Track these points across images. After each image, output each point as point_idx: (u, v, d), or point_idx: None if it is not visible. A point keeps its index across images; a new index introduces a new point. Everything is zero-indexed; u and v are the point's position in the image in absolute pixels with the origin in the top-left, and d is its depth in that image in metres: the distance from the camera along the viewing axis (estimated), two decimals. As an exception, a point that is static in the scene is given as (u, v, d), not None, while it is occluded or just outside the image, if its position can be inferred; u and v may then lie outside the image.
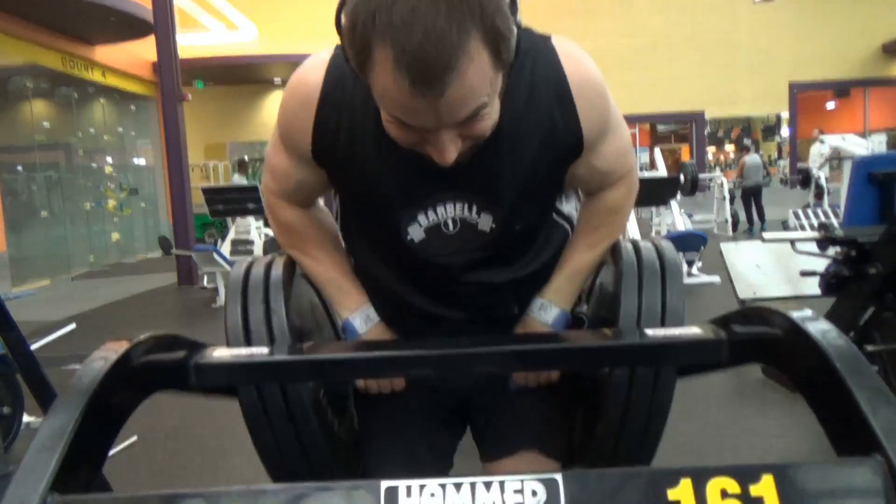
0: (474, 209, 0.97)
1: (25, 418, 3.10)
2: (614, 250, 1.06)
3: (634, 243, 1.03)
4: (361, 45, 0.73)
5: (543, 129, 0.92)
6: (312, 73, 0.93)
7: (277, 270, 1.01)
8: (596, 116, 0.95)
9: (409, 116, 0.77)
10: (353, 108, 0.91)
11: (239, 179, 11.12)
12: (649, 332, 0.88)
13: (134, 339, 0.71)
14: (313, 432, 0.97)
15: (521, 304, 1.11)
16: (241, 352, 0.89)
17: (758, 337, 0.77)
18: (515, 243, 1.03)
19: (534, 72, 0.91)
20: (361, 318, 1.09)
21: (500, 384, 1.16)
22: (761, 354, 0.79)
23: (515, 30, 0.76)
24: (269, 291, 0.97)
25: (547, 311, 1.09)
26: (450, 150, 0.80)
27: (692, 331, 0.86)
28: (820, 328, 0.65)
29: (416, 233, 0.97)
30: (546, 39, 0.95)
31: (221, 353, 0.86)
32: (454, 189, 0.94)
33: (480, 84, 0.74)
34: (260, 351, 0.89)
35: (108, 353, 0.66)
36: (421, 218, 0.97)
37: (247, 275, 1.00)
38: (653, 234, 10.29)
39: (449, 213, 0.97)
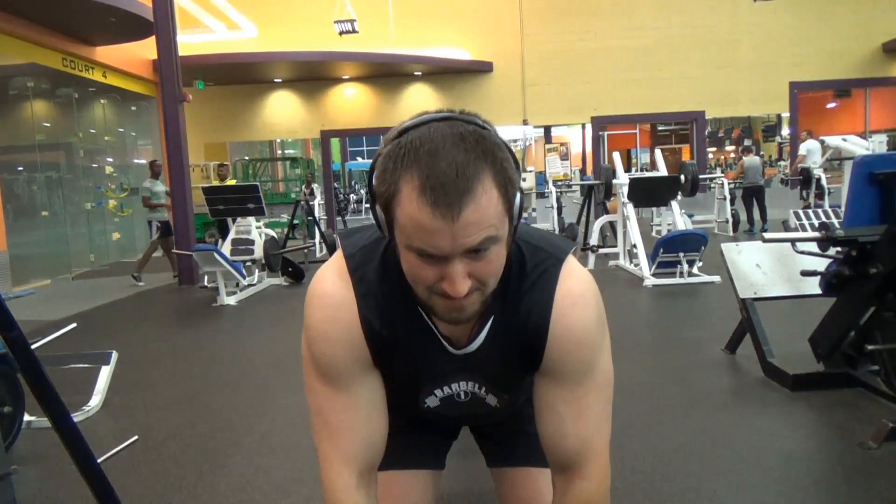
0: (483, 389, 1.11)
1: (26, 417, 3.11)
2: None
3: None
4: (391, 181, 0.84)
5: (521, 343, 1.02)
6: (340, 292, 1.00)
7: None
8: (566, 357, 1.00)
9: (429, 240, 0.84)
10: (391, 308, 1.00)
11: (152, 184, 8.98)
12: None
13: None
14: None
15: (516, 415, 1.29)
16: None
17: None
18: (517, 406, 1.20)
19: (528, 294, 0.99)
20: None
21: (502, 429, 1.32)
22: None
23: (520, 194, 0.88)
24: None
25: None
26: (461, 283, 0.87)
27: None
28: None
29: (432, 402, 1.13)
30: (557, 263, 1.01)
31: None
32: (466, 373, 1.07)
33: (492, 212, 0.84)
34: None
35: None
36: (437, 391, 1.11)
37: None
38: (653, 233, 10.29)
39: (462, 388, 1.10)
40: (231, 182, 10.03)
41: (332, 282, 1.00)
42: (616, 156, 8.47)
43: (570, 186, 12.57)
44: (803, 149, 10.72)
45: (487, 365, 1.05)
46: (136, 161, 13.74)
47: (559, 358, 1.00)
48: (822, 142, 10.05)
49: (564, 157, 24.98)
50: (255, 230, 7.91)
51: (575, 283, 1.00)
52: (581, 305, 0.99)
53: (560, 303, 0.98)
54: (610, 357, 1.05)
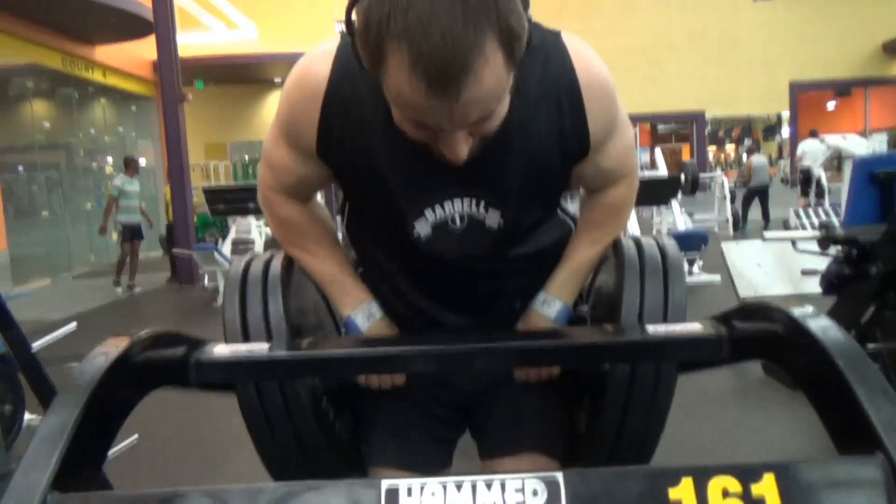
0: (482, 205, 0.96)
1: (27, 417, 3.10)
2: (616, 246, 1.06)
3: (636, 240, 1.03)
4: (375, 46, 0.72)
5: (552, 129, 0.92)
6: (319, 66, 0.91)
7: (276, 267, 1.00)
8: (604, 118, 0.95)
9: (424, 117, 0.76)
10: (361, 102, 0.89)
11: (124, 182, 8.31)
12: (650, 328, 0.88)
13: (134, 336, 0.70)
14: (311, 430, 0.96)
15: (524, 297, 1.11)
16: (241, 348, 0.87)
17: (759, 334, 0.77)
18: (519, 238, 1.03)
19: (545, 70, 0.90)
20: (364, 314, 1.08)
21: (502, 381, 1.16)
22: (762, 351, 0.79)
23: (527, 25, 0.75)
24: (267, 288, 0.96)
25: (550, 305, 1.09)
26: (462, 149, 0.80)
27: (693, 327, 0.86)
28: (821, 325, 0.65)
29: (423, 229, 0.97)
30: (556, 35, 0.94)
31: (221, 350, 0.85)
32: (462, 185, 0.94)
33: (495, 85, 0.74)
34: (259, 347, 0.88)
35: (109, 349, 0.66)
36: (428, 213, 0.96)
37: (245, 271, 0.99)
38: (654, 233, 10.29)
39: (456, 208, 0.96)
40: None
41: (317, 53, 0.93)
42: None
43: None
44: (800, 149, 10.75)
45: (497, 165, 0.92)
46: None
47: (600, 121, 0.94)
48: (822, 141, 10.05)
49: (564, 156, 25.02)
50: (256, 229, 7.92)
51: (579, 44, 0.95)
52: (595, 57, 0.95)
53: (579, 65, 0.91)
54: None
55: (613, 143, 1.00)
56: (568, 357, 0.94)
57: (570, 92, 0.91)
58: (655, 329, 0.87)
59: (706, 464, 0.54)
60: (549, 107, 0.90)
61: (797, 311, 0.68)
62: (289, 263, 1.05)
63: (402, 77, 0.72)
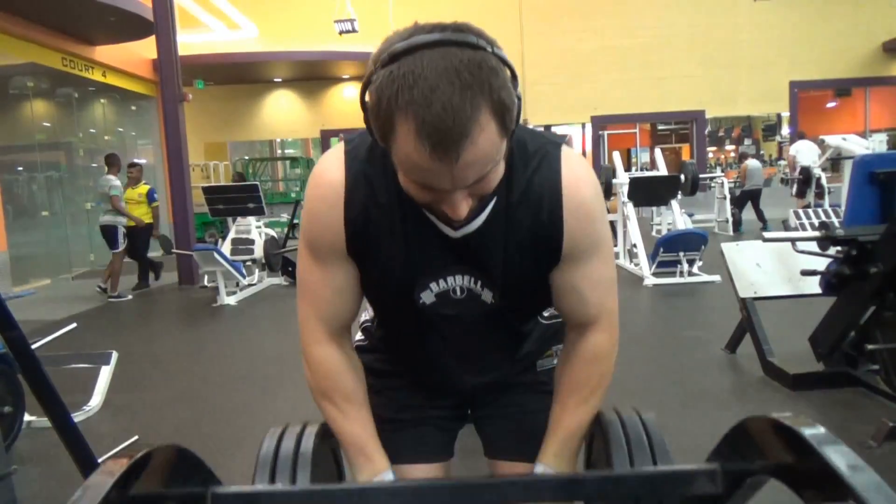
0: (479, 283, 1.08)
1: (26, 417, 3.11)
2: (600, 422, 1.07)
3: (619, 415, 1.03)
4: (386, 118, 0.82)
5: (530, 228, 1.01)
6: (333, 174, 1.01)
7: (308, 445, 1.00)
8: (580, 234, 1.02)
9: (428, 179, 0.85)
10: (377, 197, 1.00)
11: (110, 179, 7.74)
12: (645, 469, 0.92)
13: (134, 455, 0.64)
14: None
15: (506, 351, 1.22)
16: (258, 487, 0.90)
17: (764, 464, 0.74)
18: (513, 315, 1.15)
19: (536, 173, 1.00)
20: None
21: (500, 391, 1.25)
22: (774, 474, 0.74)
23: (517, 101, 0.85)
24: (296, 471, 0.97)
25: None
26: (462, 208, 0.89)
27: (687, 466, 0.87)
28: (843, 457, 0.61)
29: (427, 297, 1.09)
30: (556, 146, 1.03)
31: (239, 487, 0.86)
32: (462, 264, 1.05)
33: (490, 150, 0.83)
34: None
35: (105, 476, 0.60)
36: (432, 286, 1.08)
37: (276, 449, 0.99)
38: (653, 233, 10.29)
39: (457, 282, 1.08)
40: (144, 188, 8.06)
41: (328, 162, 1.02)
42: (616, 155, 8.47)
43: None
44: (793, 150, 10.82)
45: (485, 251, 1.03)
46: (136, 161, 13.74)
47: (577, 236, 1.02)
48: (822, 141, 10.05)
49: (564, 156, 24.99)
50: (255, 230, 7.91)
51: (575, 160, 1.03)
52: (585, 179, 1.02)
53: (567, 179, 1.00)
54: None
55: (591, 266, 1.06)
56: (565, 491, 0.95)
57: (553, 200, 1.00)
58: (650, 468, 0.93)
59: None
60: (531, 207, 1.00)
61: (808, 433, 0.65)
62: (321, 439, 1.05)
63: (409, 143, 0.81)
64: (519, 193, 1.00)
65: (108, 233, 7.66)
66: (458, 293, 1.08)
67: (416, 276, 1.06)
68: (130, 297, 7.61)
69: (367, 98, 0.86)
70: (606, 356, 1.13)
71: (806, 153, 10.55)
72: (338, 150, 1.03)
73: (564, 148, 1.03)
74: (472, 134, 0.80)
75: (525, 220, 1.00)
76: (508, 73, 0.84)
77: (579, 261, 1.04)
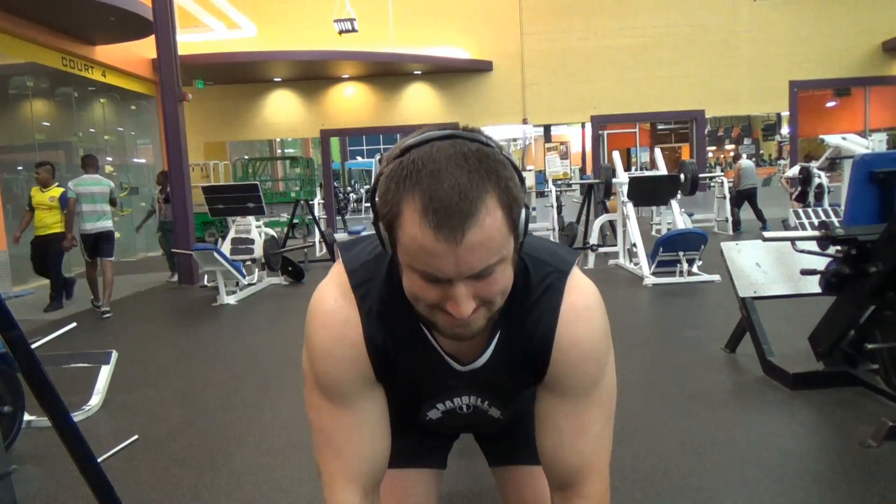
0: (486, 403, 1.11)
1: (26, 417, 3.11)
2: None
3: None
4: (394, 202, 0.82)
5: (525, 356, 1.01)
6: (345, 311, 0.99)
7: None
8: (567, 371, 0.99)
9: (432, 264, 0.82)
10: (393, 326, 0.99)
11: (78, 184, 6.78)
12: None
13: None
14: None
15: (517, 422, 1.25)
16: None
17: None
18: (519, 418, 1.19)
19: (535, 305, 0.98)
20: None
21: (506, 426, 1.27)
22: None
23: (523, 198, 0.86)
24: None
25: None
26: (465, 305, 0.85)
27: None
28: None
29: (433, 415, 1.14)
30: (562, 276, 1.00)
31: None
32: (469, 388, 1.07)
33: (496, 237, 0.82)
34: None
35: None
36: (439, 405, 1.12)
37: None
38: (653, 232, 10.29)
39: (464, 401, 1.11)
40: (56, 191, 6.92)
41: (335, 299, 0.99)
42: (616, 155, 8.47)
43: (569, 185, 12.57)
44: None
45: (492, 381, 1.04)
46: (135, 160, 13.75)
47: (563, 372, 0.99)
48: (822, 141, 10.07)
49: (564, 156, 24.93)
50: (255, 229, 7.91)
51: (580, 297, 0.99)
52: (586, 319, 0.98)
53: (565, 316, 0.97)
54: (614, 373, 1.04)
55: (578, 406, 1.01)
56: None
57: (544, 341, 0.99)
58: None
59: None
60: (526, 334, 0.99)
61: None
62: None
63: (415, 222, 0.81)
64: (515, 328, 0.99)
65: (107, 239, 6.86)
66: (465, 409, 1.11)
67: (423, 399, 1.10)
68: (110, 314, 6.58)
69: (376, 194, 0.87)
70: None
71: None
72: (340, 284, 1.00)
73: (572, 277, 1.00)
74: (478, 214, 0.79)
75: (520, 348, 1.00)
76: (516, 175, 0.85)
77: (565, 394, 1.01)
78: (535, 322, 0.97)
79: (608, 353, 1.01)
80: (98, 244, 6.76)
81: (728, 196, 11.07)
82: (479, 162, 0.80)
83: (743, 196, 11.26)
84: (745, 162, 11.60)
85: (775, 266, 3.84)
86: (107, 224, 6.84)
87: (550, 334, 0.97)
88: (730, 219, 10.97)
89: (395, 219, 0.83)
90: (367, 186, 20.88)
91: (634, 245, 7.34)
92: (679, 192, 7.91)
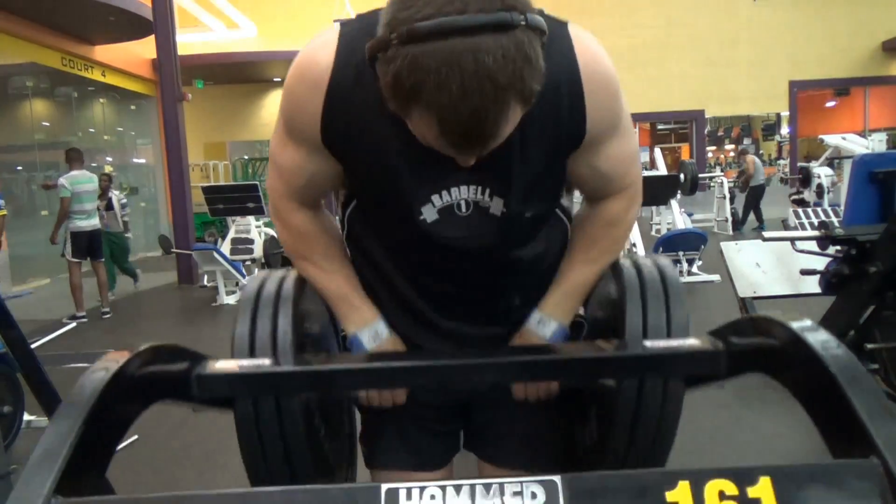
0: (487, 192, 0.97)
1: (26, 417, 3.11)
2: (614, 266, 1.05)
3: (634, 260, 1.03)
4: (403, 101, 0.75)
5: (549, 116, 0.91)
6: (320, 55, 0.91)
7: (289, 286, 1.00)
8: (603, 114, 0.94)
9: (443, 151, 0.80)
10: (366, 91, 0.87)
11: (73, 181, 6.45)
12: (648, 343, 0.89)
13: (136, 349, 0.71)
14: (301, 448, 0.95)
15: (521, 295, 1.10)
16: (242, 363, 0.90)
17: (757, 347, 0.77)
18: (522, 230, 1.03)
19: (547, 59, 0.84)
20: (370, 333, 1.07)
21: (500, 392, 1.15)
22: (760, 364, 0.80)
23: (544, 68, 0.77)
24: (278, 306, 0.97)
25: (545, 325, 1.08)
26: (471, 161, 0.84)
27: (691, 342, 0.87)
28: (819, 339, 0.66)
29: (429, 213, 0.97)
30: (562, 26, 0.94)
31: (222, 365, 0.87)
32: (467, 172, 0.92)
33: (511, 129, 0.79)
34: (262, 363, 0.90)
35: (110, 362, 0.67)
36: (435, 199, 0.97)
37: (259, 289, 1.00)
38: (653, 232, 10.29)
39: (462, 194, 0.97)
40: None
41: (318, 41, 0.93)
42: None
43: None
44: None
45: (495, 154, 0.87)
46: (135, 160, 13.75)
47: (601, 118, 0.94)
48: (822, 141, 10.06)
49: (564, 155, 24.96)
50: (255, 229, 7.92)
51: (586, 36, 0.96)
52: (600, 52, 0.95)
53: (584, 58, 0.92)
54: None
55: (612, 146, 0.98)
56: (565, 371, 0.95)
57: (571, 81, 0.91)
58: (654, 344, 0.89)
59: (703, 466, 0.55)
60: (547, 95, 0.86)
61: (796, 325, 0.68)
62: (301, 282, 1.05)
63: (428, 133, 0.77)
64: None
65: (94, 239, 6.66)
66: (464, 208, 0.97)
67: (414, 187, 0.95)
68: (74, 324, 6.09)
69: (378, 66, 0.77)
70: (623, 221, 1.07)
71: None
72: (331, 32, 0.93)
73: (571, 25, 0.96)
74: (498, 133, 0.76)
75: (542, 110, 0.88)
76: (539, 38, 0.75)
77: (602, 143, 0.97)
78: (554, 69, 0.87)
79: (618, 81, 1.00)
80: (91, 244, 6.62)
81: (727, 196, 11.02)
82: (504, 76, 0.71)
83: (759, 192, 11.08)
84: (755, 157, 11.47)
85: (775, 266, 3.84)
86: (97, 222, 6.72)
87: (577, 76, 0.91)
88: (729, 219, 10.93)
89: (402, 111, 0.77)
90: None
91: (634, 245, 7.34)
92: (679, 191, 7.91)
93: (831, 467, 0.58)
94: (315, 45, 0.93)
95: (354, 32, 0.89)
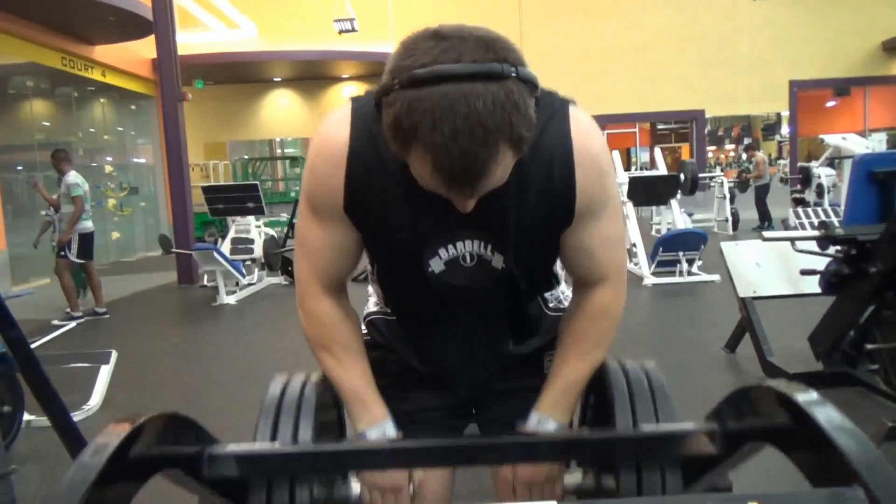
0: (489, 248, 1.07)
1: (26, 417, 3.10)
2: (603, 372, 1.08)
3: (622, 365, 1.05)
4: (403, 142, 0.83)
5: (542, 189, 1.00)
6: (338, 132, 1.00)
7: (311, 392, 1.02)
8: (592, 190, 1.01)
9: (440, 192, 0.88)
10: (382, 159, 0.97)
11: (74, 180, 6.25)
12: (644, 426, 0.93)
13: (137, 423, 0.68)
14: None
15: (514, 336, 1.22)
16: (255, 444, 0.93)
17: (762, 426, 0.76)
18: (520, 284, 1.12)
19: (544, 131, 0.97)
20: (378, 432, 1.12)
21: (502, 394, 1.24)
22: (764, 439, 0.77)
23: (534, 118, 0.85)
24: (299, 417, 0.98)
25: (544, 425, 1.13)
26: (470, 205, 0.91)
27: (686, 425, 0.88)
28: (831, 419, 0.65)
29: (436, 265, 1.07)
30: (564, 104, 1.02)
31: (235, 446, 0.89)
32: (471, 229, 1.04)
33: (504, 174, 0.86)
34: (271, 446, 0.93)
35: (110, 439, 0.64)
36: (441, 252, 1.07)
37: (282, 396, 1.01)
38: (653, 232, 10.29)
39: (467, 248, 1.07)
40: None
41: (333, 120, 1.02)
42: (616, 154, 8.48)
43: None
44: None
45: (497, 213, 1.00)
46: (135, 160, 13.75)
47: (589, 192, 1.01)
48: (822, 140, 10.06)
49: (564, 155, 24.92)
50: (255, 229, 7.92)
51: (583, 118, 1.02)
52: (594, 135, 1.02)
53: (577, 135, 0.99)
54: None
55: (598, 224, 1.05)
56: (558, 451, 0.97)
57: (564, 154, 0.99)
58: (648, 427, 0.93)
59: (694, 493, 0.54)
60: (542, 166, 0.98)
61: (801, 399, 0.69)
62: (322, 388, 1.07)
63: (424, 172, 0.84)
64: (531, 154, 0.96)
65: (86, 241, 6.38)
66: (468, 260, 1.07)
67: (424, 242, 1.05)
68: (74, 324, 5.98)
69: (382, 110, 0.85)
70: (611, 313, 1.12)
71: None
72: (344, 109, 1.02)
73: (573, 107, 1.02)
74: (488, 173, 0.82)
75: (536, 179, 0.99)
76: (529, 91, 0.84)
77: (590, 218, 1.04)
78: (549, 144, 0.98)
79: (612, 164, 1.07)
80: (88, 245, 6.45)
81: (728, 196, 11.00)
82: (494, 119, 0.78)
83: (766, 191, 11.06)
84: (762, 155, 11.45)
85: (775, 266, 3.84)
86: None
87: (569, 153, 0.99)
88: (729, 219, 10.91)
89: (401, 151, 0.85)
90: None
91: (634, 245, 7.34)
92: (679, 191, 7.91)
93: (817, 495, 0.57)
94: (332, 123, 1.02)
95: (365, 107, 0.97)
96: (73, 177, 6.31)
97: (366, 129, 0.97)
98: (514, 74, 0.81)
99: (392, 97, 0.81)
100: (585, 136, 1.00)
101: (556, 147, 0.98)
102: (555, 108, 0.99)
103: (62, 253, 6.30)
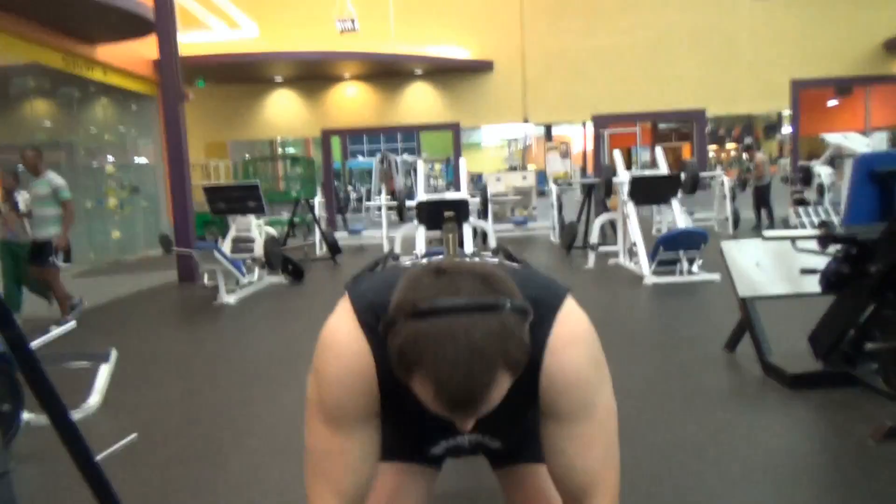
0: (488, 437, 1.20)
1: (25, 416, 3.11)
2: None
3: None
4: (407, 367, 0.88)
5: (516, 386, 0.99)
6: (356, 344, 1.03)
7: None
8: (560, 399, 1.04)
9: (442, 415, 0.92)
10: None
11: (61, 181, 6.20)
12: None
13: None
14: None
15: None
16: None
17: None
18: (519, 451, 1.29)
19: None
20: None
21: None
22: None
23: (528, 343, 0.91)
24: None
25: None
26: (470, 425, 0.95)
27: None
28: None
29: (437, 451, 1.22)
30: (553, 309, 1.04)
31: None
32: (471, 432, 1.10)
33: (501, 395, 0.90)
34: None
35: None
36: (442, 443, 1.20)
37: None
38: (653, 231, 10.29)
39: (467, 439, 1.19)
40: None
41: (346, 332, 1.04)
42: (617, 154, 8.47)
43: (570, 185, 12.57)
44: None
45: (493, 419, 1.04)
46: (136, 160, 13.75)
47: (554, 398, 1.04)
48: (823, 140, 10.06)
49: (565, 155, 24.92)
50: (256, 228, 7.92)
51: (567, 328, 1.04)
52: (572, 346, 1.03)
53: (552, 346, 1.02)
54: (611, 392, 1.09)
55: (579, 428, 1.05)
56: None
57: (531, 370, 1.00)
58: None
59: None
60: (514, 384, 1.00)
61: None
62: None
63: (426, 396, 0.89)
64: None
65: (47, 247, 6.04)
66: (468, 445, 1.19)
67: (427, 438, 1.19)
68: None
69: (388, 340, 0.90)
70: None
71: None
72: (348, 318, 1.04)
73: (562, 312, 1.04)
74: (488, 399, 0.87)
75: (512, 387, 1.00)
76: (523, 319, 0.89)
77: (562, 419, 1.05)
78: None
79: (600, 378, 1.06)
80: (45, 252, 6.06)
81: (728, 195, 10.99)
82: (491, 348, 0.84)
83: (767, 191, 11.07)
84: (762, 155, 11.49)
85: (775, 265, 3.84)
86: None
87: (537, 364, 1.02)
88: (730, 218, 10.91)
89: (404, 376, 0.90)
90: (368, 186, 20.89)
91: (635, 244, 7.34)
92: (680, 191, 7.90)
93: None
94: (344, 338, 1.04)
95: (366, 312, 1.03)
96: (58, 178, 6.07)
97: (378, 338, 0.98)
98: (508, 306, 0.87)
99: (397, 328, 0.88)
100: (560, 349, 1.02)
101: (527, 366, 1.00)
102: (541, 314, 1.00)
103: (49, 260, 5.99)
